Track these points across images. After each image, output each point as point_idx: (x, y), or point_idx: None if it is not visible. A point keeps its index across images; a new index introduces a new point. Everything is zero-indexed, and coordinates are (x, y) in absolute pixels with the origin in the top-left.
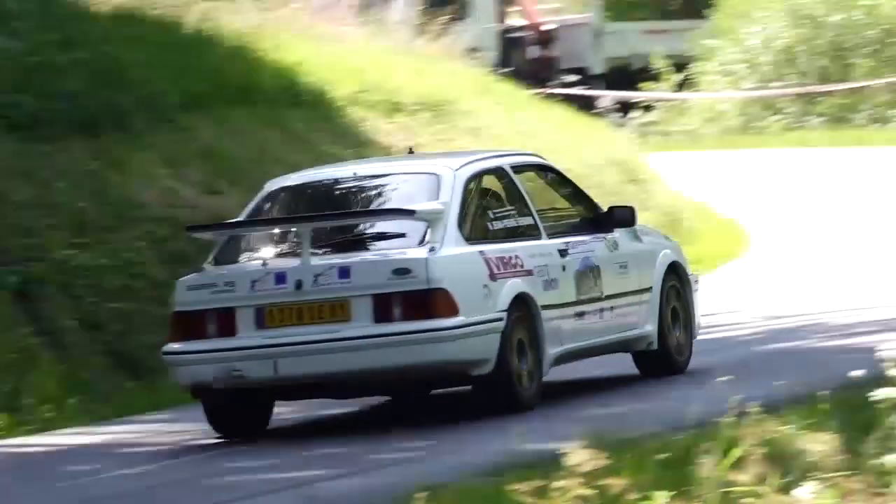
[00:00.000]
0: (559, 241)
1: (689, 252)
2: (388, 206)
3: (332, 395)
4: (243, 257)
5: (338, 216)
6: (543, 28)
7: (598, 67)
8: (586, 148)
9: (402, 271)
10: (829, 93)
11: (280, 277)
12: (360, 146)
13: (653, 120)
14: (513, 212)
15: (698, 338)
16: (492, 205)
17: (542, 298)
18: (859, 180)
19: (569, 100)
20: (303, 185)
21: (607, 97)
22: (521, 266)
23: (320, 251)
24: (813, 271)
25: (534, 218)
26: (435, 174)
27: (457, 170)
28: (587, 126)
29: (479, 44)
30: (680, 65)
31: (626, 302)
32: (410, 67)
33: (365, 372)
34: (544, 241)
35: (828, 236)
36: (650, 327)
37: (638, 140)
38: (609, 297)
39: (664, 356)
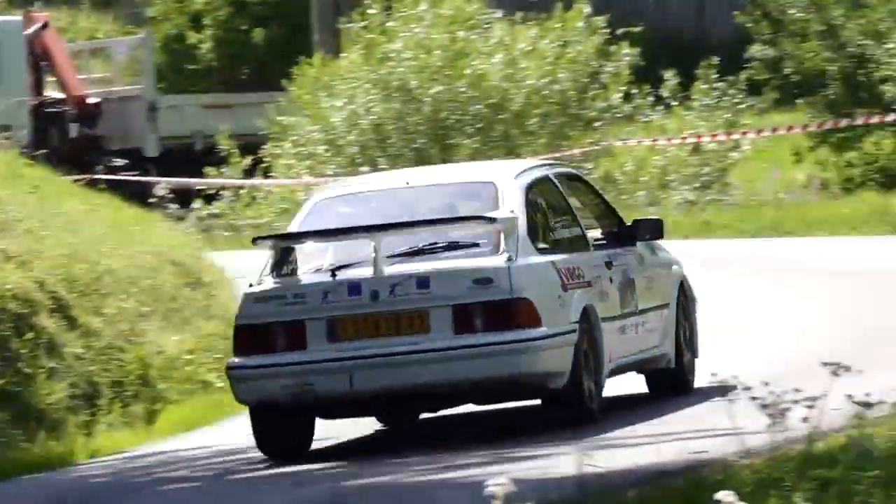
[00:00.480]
0: (603, 253)
1: None
2: (448, 215)
3: (397, 409)
4: (302, 269)
5: (413, 224)
6: (87, 101)
7: (152, 148)
8: (138, 245)
9: (483, 281)
10: None
11: (354, 288)
12: None
13: (217, 212)
14: (565, 221)
15: None
16: (548, 214)
17: (599, 311)
18: None
19: (118, 187)
20: (354, 195)
21: (162, 184)
22: (583, 277)
23: (390, 261)
24: None
25: (581, 229)
26: (491, 182)
27: (514, 178)
28: (138, 219)
29: (8, 121)
30: (251, 145)
31: (653, 318)
32: None
33: (444, 385)
34: (593, 253)
35: None
36: (669, 344)
37: (200, 236)
38: (642, 311)
39: (679, 375)
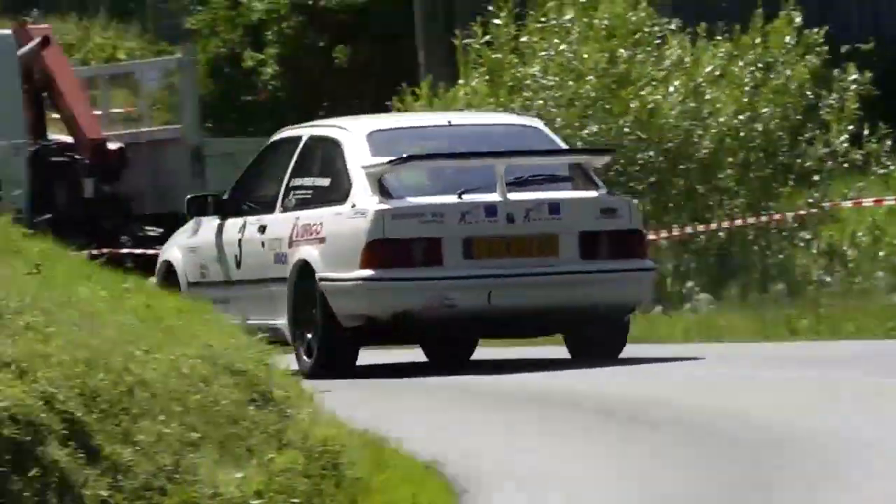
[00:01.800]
0: None
1: None
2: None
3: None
4: (412, 192)
5: (539, 153)
6: (108, 147)
7: None
8: (181, 347)
9: (609, 211)
10: None
11: (491, 210)
12: None
13: None
14: None
15: None
16: None
17: None
18: None
19: (152, 264)
20: (407, 129)
21: None
22: None
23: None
24: None
25: None
26: (536, 126)
27: (543, 124)
28: (181, 309)
29: None
30: None
31: None
32: None
33: (572, 307)
34: None
35: None
36: None
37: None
38: None
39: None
